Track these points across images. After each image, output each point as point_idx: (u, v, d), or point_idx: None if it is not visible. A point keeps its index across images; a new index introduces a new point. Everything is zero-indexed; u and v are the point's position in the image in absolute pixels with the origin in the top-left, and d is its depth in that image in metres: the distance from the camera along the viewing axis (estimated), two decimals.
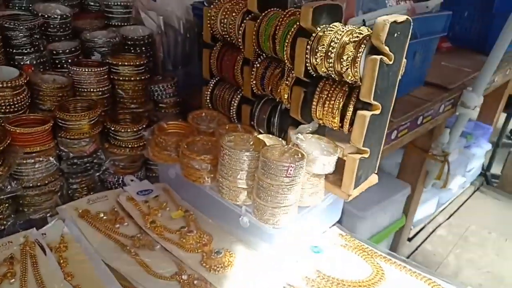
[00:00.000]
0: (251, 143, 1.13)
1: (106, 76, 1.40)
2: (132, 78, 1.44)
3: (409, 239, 2.65)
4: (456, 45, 2.54)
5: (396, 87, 1.06)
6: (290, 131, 1.20)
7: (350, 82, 1.02)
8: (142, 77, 1.46)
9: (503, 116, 3.21)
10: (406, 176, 2.32)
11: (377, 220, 2.15)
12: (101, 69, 1.38)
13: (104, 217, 1.15)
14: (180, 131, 1.33)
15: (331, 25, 1.03)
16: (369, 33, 0.97)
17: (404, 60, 1.04)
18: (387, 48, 0.92)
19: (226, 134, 1.14)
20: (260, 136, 1.21)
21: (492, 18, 2.38)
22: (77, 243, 1.05)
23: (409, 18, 0.95)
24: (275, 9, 1.19)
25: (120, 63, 1.42)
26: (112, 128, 1.35)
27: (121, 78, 1.44)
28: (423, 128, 1.92)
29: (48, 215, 1.19)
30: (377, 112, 1.01)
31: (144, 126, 1.38)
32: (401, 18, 0.93)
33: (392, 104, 1.09)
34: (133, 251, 1.06)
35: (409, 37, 1.01)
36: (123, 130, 1.35)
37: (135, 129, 1.36)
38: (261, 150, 1.03)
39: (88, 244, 1.05)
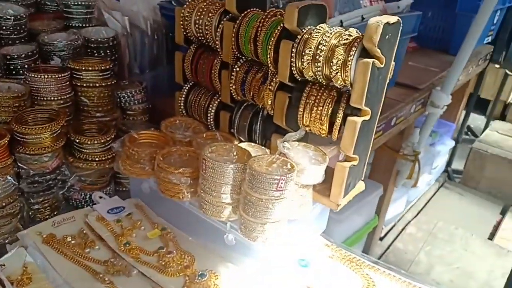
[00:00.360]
0: (235, 153, 1.05)
1: (67, 82, 1.27)
2: (97, 84, 1.32)
3: (381, 239, 2.66)
4: (420, 45, 2.57)
5: (385, 91, 1.02)
6: (274, 138, 1.13)
7: (339, 86, 0.96)
8: (108, 83, 1.34)
9: (462, 113, 3.31)
10: (377, 177, 2.32)
11: (353, 222, 2.14)
12: (62, 75, 1.24)
13: (72, 242, 1.03)
14: (154, 141, 1.22)
15: (317, 27, 0.97)
16: (359, 35, 0.92)
17: (393, 63, 0.99)
18: (379, 51, 0.87)
19: (207, 144, 1.05)
20: (242, 145, 1.13)
21: (455, 17, 2.43)
22: (42, 274, 0.92)
23: (399, 19, 0.91)
24: (255, 9, 1.12)
25: (83, 68, 1.29)
26: (77, 140, 1.22)
27: (84, 85, 1.31)
28: (396, 129, 1.92)
29: (7, 242, 1.05)
30: (367, 117, 0.96)
31: (112, 136, 1.26)
32: (392, 19, 0.88)
33: (380, 109, 1.05)
34: (107, 279, 0.95)
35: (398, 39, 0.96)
36: (89, 142, 1.22)
37: (102, 141, 1.24)
38: (248, 162, 0.96)
39: (55, 274, 0.94)
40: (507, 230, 2.74)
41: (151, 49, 1.64)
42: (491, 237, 2.73)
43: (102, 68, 1.32)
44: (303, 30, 0.99)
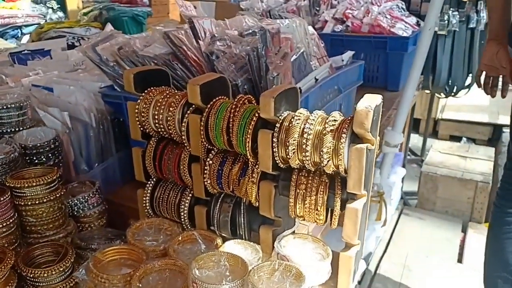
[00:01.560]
0: (225, 263, 0.93)
1: (9, 205, 1.08)
2: (45, 199, 1.14)
3: (359, 282, 2.60)
4: (360, 85, 2.65)
5: (374, 167, 0.97)
6: (264, 231, 1.03)
7: (330, 172, 0.90)
8: (57, 195, 1.16)
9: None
10: None
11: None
12: (1, 198, 1.05)
13: None
14: (123, 257, 1.06)
15: (296, 113, 0.91)
16: (344, 118, 0.87)
17: (378, 137, 0.95)
18: (370, 135, 0.82)
19: (192, 260, 0.91)
20: (230, 246, 1.01)
21: (387, 56, 2.55)
22: None
23: (382, 99, 0.87)
24: (221, 97, 1.03)
25: (25, 185, 1.11)
26: (30, 275, 1.02)
27: (29, 203, 1.12)
28: None
29: None
30: (365, 200, 0.90)
31: (71, 260, 1.07)
32: (377, 100, 0.84)
33: (371, 184, 0.99)
34: None
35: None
36: (45, 274, 1.03)
37: (61, 268, 1.05)
38: (247, 278, 0.84)
39: None
40: (472, 249, 2.82)
41: (97, 141, 1.48)
42: (460, 258, 2.78)
43: (49, 180, 1.14)
44: (280, 117, 0.92)
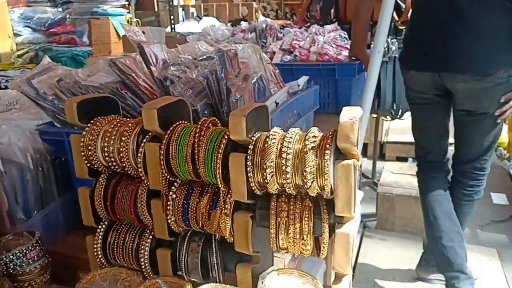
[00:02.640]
0: None
1: None
2: None
3: None
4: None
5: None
6: (242, 271, 0.89)
7: (313, 195, 0.79)
8: None
9: None
10: None
11: None
12: None
13: None
14: None
15: (271, 132, 0.81)
16: (325, 134, 0.78)
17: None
18: (356, 149, 0.73)
19: None
20: None
21: (336, 82, 2.56)
22: None
23: (360, 109, 0.79)
24: (181, 122, 0.91)
25: None
26: None
27: None
28: None
29: None
30: (354, 222, 0.80)
31: None
32: (359, 111, 0.76)
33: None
34: None
35: None
36: None
37: None
38: None
39: None
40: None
41: (36, 184, 1.27)
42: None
43: None
44: (252, 138, 0.81)
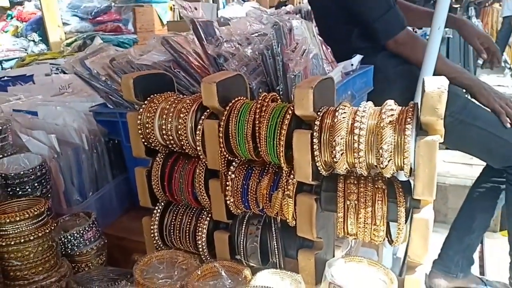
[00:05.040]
0: None
1: None
2: (32, 237, 0.93)
3: None
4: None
5: None
6: (304, 256, 0.84)
7: (389, 176, 0.72)
8: (46, 231, 0.96)
9: None
10: None
11: None
12: None
13: None
14: None
15: (340, 106, 0.74)
16: (404, 108, 0.70)
17: None
18: (441, 122, 0.66)
19: None
20: (261, 277, 0.82)
21: None
22: None
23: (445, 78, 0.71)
24: (240, 98, 0.86)
25: (7, 221, 0.90)
26: None
27: (12, 242, 0.91)
28: None
29: None
30: (432, 207, 0.73)
31: None
32: (445, 80, 0.68)
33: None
34: None
35: None
36: None
37: None
38: None
39: None
40: (492, 260, 2.64)
41: (91, 166, 1.29)
42: (482, 270, 2.60)
43: (35, 213, 0.93)
44: (319, 113, 0.75)
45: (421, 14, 2.01)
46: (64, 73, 2.46)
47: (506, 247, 1.95)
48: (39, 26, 4.45)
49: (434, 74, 1.59)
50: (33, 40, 4.44)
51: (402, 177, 0.74)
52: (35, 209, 0.94)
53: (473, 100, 1.66)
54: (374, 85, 1.78)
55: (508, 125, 1.53)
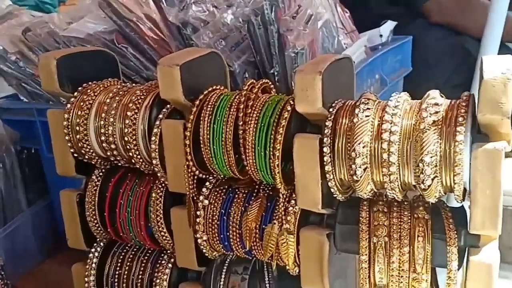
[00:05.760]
0: None
1: None
2: None
3: None
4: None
5: None
6: None
7: (433, 200, 0.74)
8: None
9: None
10: None
11: None
12: None
13: None
14: None
15: (362, 100, 0.75)
16: (452, 102, 0.72)
17: None
18: (508, 123, 0.67)
19: None
20: None
21: None
22: None
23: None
24: (217, 87, 0.88)
25: None
26: None
27: None
28: None
29: None
30: (497, 246, 0.75)
31: None
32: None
33: None
34: None
35: None
36: None
37: None
38: None
39: None
40: None
41: None
42: None
43: None
44: (331, 110, 0.77)
45: None
46: None
47: None
48: None
49: (500, 52, 1.62)
50: None
51: (453, 202, 0.76)
52: None
53: None
54: (413, 65, 1.82)
55: None
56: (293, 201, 0.82)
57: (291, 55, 1.08)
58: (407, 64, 1.87)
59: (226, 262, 0.94)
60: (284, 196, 0.83)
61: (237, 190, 0.90)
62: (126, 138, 0.90)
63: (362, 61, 1.46)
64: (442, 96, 0.74)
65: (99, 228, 1.00)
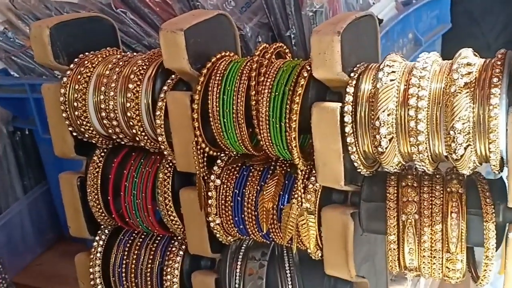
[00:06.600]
0: None
1: None
2: None
3: None
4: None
5: None
6: None
7: (467, 172, 0.77)
8: None
9: None
10: None
11: None
12: None
13: None
14: None
15: (387, 62, 0.78)
16: (487, 61, 0.74)
17: None
18: None
19: None
20: None
21: None
22: None
23: None
24: (226, 53, 0.91)
25: None
26: None
27: None
28: None
29: None
30: None
31: None
32: None
33: None
34: None
35: None
36: None
37: None
38: None
39: None
40: None
41: None
42: None
43: None
44: (353, 74, 0.80)
45: None
46: None
47: None
48: None
49: None
50: None
51: (490, 173, 0.78)
52: None
53: None
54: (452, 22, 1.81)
55: None
56: (313, 178, 0.85)
57: (308, 14, 1.10)
58: (446, 20, 1.87)
59: (242, 247, 0.98)
60: (303, 172, 0.86)
61: (251, 167, 0.93)
62: (128, 114, 0.93)
63: (392, 18, 1.47)
64: (476, 56, 0.76)
65: (103, 214, 1.04)
